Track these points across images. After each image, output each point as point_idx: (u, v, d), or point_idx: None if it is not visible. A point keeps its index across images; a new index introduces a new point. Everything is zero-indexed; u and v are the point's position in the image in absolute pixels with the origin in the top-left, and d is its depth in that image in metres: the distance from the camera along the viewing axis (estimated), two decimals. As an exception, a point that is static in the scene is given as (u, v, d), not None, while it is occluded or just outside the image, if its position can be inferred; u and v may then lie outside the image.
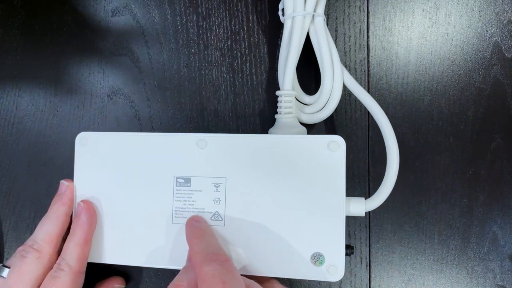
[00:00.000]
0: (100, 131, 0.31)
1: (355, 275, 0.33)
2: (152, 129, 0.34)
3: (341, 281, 0.33)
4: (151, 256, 0.28)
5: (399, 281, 0.33)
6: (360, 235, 0.33)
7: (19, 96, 0.35)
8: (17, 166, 0.35)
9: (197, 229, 0.26)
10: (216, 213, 0.28)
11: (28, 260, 0.27)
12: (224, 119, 0.34)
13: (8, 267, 0.28)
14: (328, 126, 0.33)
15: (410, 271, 0.33)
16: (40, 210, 0.35)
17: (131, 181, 0.28)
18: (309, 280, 0.33)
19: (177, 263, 0.28)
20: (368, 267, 0.33)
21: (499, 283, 0.33)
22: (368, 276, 0.33)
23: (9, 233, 0.35)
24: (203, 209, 0.28)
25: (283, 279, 0.33)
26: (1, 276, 0.28)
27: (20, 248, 0.29)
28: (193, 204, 0.28)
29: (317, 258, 0.27)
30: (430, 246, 0.33)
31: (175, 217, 0.28)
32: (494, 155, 0.32)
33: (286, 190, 0.27)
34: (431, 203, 0.33)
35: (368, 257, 0.33)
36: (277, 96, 0.31)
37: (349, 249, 0.28)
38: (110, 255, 0.29)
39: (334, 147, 0.27)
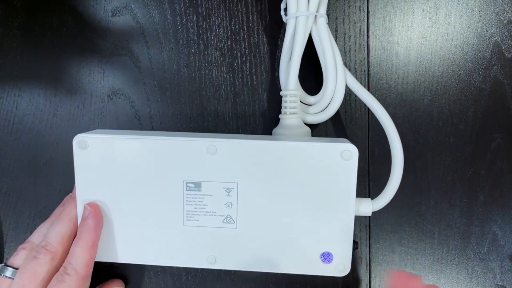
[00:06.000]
0: (95, 130, 0.31)
1: (355, 275, 0.33)
2: (152, 129, 0.34)
3: (341, 281, 0.33)
4: (164, 255, 0.29)
5: (399, 281, 0.33)
6: (360, 235, 0.33)
7: (19, 96, 0.35)
8: (17, 166, 0.35)
9: None
10: (228, 216, 0.28)
11: (41, 261, 0.27)
12: (224, 119, 0.34)
13: (12, 267, 0.28)
14: (328, 126, 0.33)
15: (410, 271, 0.33)
16: (40, 210, 0.35)
17: (139, 185, 0.28)
18: (309, 279, 0.33)
19: (190, 263, 0.29)
20: (368, 267, 0.33)
21: (499, 283, 0.33)
22: (368, 276, 0.33)
23: (9, 233, 0.35)
24: (215, 212, 0.28)
25: (287, 274, 0.33)
26: (5, 275, 0.28)
27: (22, 246, 0.29)
28: (204, 208, 0.28)
29: (326, 257, 0.28)
30: (430, 246, 0.33)
31: (186, 219, 0.28)
32: (494, 155, 0.32)
33: (297, 194, 0.28)
34: (431, 203, 0.33)
35: (368, 257, 0.33)
36: (281, 96, 0.31)
37: (355, 244, 0.29)
38: (122, 255, 0.29)
39: (347, 156, 0.27)
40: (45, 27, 0.35)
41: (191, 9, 0.34)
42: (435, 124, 0.33)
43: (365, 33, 0.33)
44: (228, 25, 0.34)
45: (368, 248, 0.33)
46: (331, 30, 0.32)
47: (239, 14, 0.33)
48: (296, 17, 0.29)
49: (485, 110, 0.32)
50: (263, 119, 0.34)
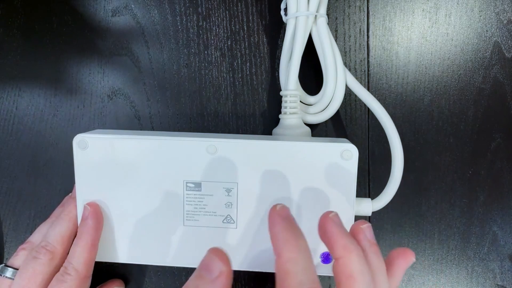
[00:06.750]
0: (95, 130, 0.31)
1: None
2: (152, 129, 0.34)
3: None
4: (164, 255, 0.29)
5: (399, 281, 0.33)
6: (360, 235, 0.33)
7: (19, 96, 0.35)
8: (17, 166, 0.35)
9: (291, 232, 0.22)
10: (228, 216, 0.28)
11: (41, 261, 0.27)
12: (224, 119, 0.34)
13: (13, 268, 0.28)
14: (328, 126, 0.33)
15: (410, 271, 0.33)
16: (40, 210, 0.35)
17: (139, 185, 0.28)
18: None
19: (190, 263, 0.29)
20: (368, 267, 0.33)
21: (499, 283, 0.33)
22: (368, 276, 0.33)
23: (9, 233, 0.35)
24: (215, 212, 0.28)
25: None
26: (5, 276, 0.28)
27: (22, 246, 0.29)
28: (204, 208, 0.28)
29: (326, 257, 0.28)
30: (430, 246, 0.33)
31: (186, 219, 0.28)
32: (494, 155, 0.32)
33: (297, 194, 0.28)
34: (431, 203, 0.33)
35: (368, 257, 0.33)
36: (281, 96, 0.31)
37: None
38: (122, 255, 0.29)
39: (347, 156, 0.27)
40: (45, 27, 0.35)
41: (191, 9, 0.34)
42: (435, 124, 0.33)
43: (365, 33, 0.33)
44: (228, 25, 0.34)
45: (368, 248, 0.33)
46: (331, 30, 0.32)
47: (239, 14, 0.33)
48: (296, 17, 0.29)
49: (485, 110, 0.32)
50: (263, 119, 0.34)
